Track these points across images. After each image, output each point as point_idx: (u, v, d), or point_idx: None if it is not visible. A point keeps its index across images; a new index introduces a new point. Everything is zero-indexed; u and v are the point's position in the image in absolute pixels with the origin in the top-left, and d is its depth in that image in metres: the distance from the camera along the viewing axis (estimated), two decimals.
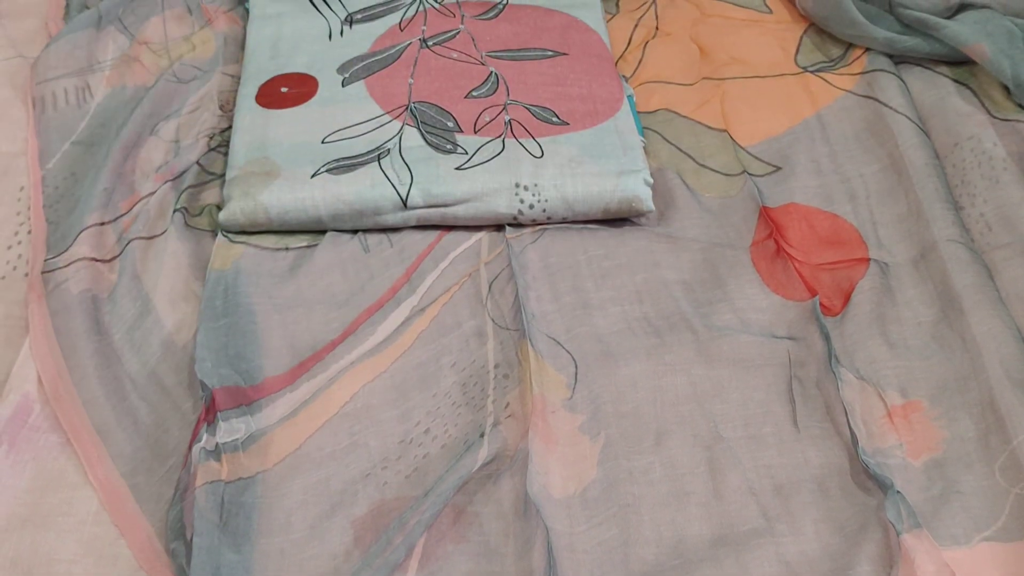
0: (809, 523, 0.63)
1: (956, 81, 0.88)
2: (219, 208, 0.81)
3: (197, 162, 0.84)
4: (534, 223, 0.80)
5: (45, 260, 0.76)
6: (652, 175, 0.83)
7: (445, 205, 0.79)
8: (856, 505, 0.64)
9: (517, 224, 0.80)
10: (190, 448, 0.65)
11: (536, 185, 0.79)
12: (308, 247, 0.79)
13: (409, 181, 0.79)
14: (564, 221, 0.81)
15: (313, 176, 0.80)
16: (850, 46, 0.93)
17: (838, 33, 0.93)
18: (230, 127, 0.86)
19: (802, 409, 0.69)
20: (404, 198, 0.79)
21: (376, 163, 0.81)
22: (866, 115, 0.87)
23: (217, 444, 0.65)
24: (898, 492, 0.62)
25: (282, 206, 0.79)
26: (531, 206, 0.79)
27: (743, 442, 0.67)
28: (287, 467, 0.66)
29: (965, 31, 0.86)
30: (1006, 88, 0.85)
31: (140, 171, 0.83)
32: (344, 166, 0.80)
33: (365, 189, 0.79)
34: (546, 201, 0.79)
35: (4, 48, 0.96)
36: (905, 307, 0.74)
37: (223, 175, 0.83)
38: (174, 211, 0.80)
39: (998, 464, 0.65)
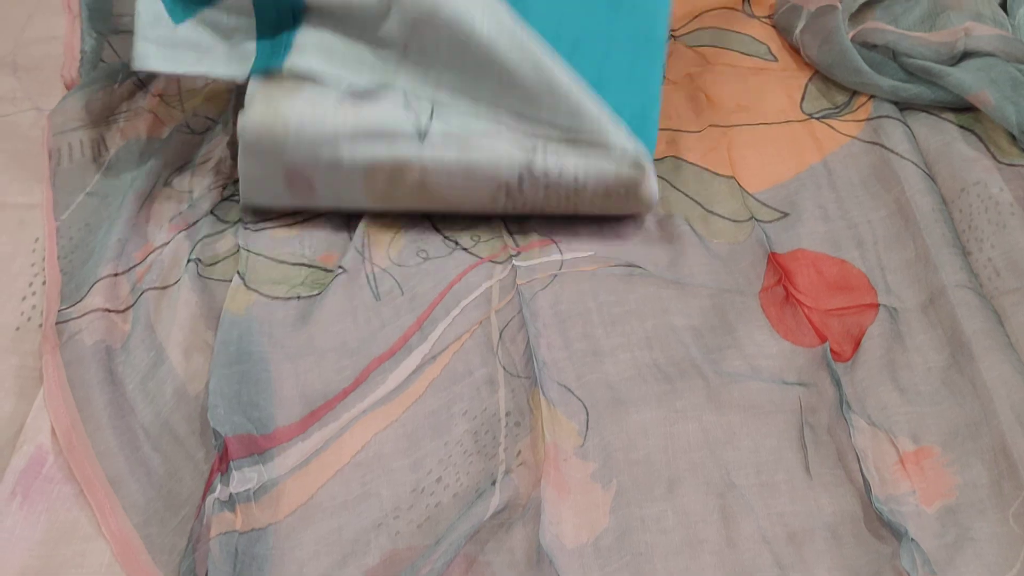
0: (823, 571, 0.63)
1: (961, 127, 0.89)
2: (235, 253, 0.82)
3: (211, 211, 0.85)
4: (537, 184, 0.81)
5: (59, 311, 0.77)
6: (660, 221, 0.84)
7: (461, 139, 0.80)
8: (870, 553, 0.63)
9: (521, 189, 0.81)
10: (203, 498, 0.65)
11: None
12: (319, 295, 0.80)
13: (430, 110, 0.81)
14: (574, 185, 0.81)
15: (337, 98, 0.80)
16: (855, 93, 0.94)
17: (843, 81, 0.94)
18: None
19: (814, 456, 0.69)
20: (423, 128, 0.80)
21: (401, 94, 0.82)
22: (872, 161, 0.88)
23: (231, 494, 0.66)
24: (912, 540, 0.62)
25: (301, 121, 0.79)
26: (543, 155, 0.80)
27: (755, 489, 0.67)
28: (298, 518, 0.66)
29: (969, 79, 0.87)
30: (1011, 134, 0.86)
31: (154, 222, 0.84)
32: (368, 93, 0.81)
33: (386, 112, 0.80)
34: (555, 153, 0.80)
35: (19, 100, 0.97)
36: (915, 352, 0.74)
37: (238, 221, 0.84)
38: (188, 261, 0.81)
39: (1012, 510, 0.65)
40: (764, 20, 1.06)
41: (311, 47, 0.82)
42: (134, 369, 0.74)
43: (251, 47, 0.82)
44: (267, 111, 0.79)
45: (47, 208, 0.86)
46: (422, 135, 0.80)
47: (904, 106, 0.92)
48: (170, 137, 0.91)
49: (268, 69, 0.81)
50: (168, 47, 0.81)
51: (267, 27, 0.82)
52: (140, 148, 0.91)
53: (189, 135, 0.92)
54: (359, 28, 0.82)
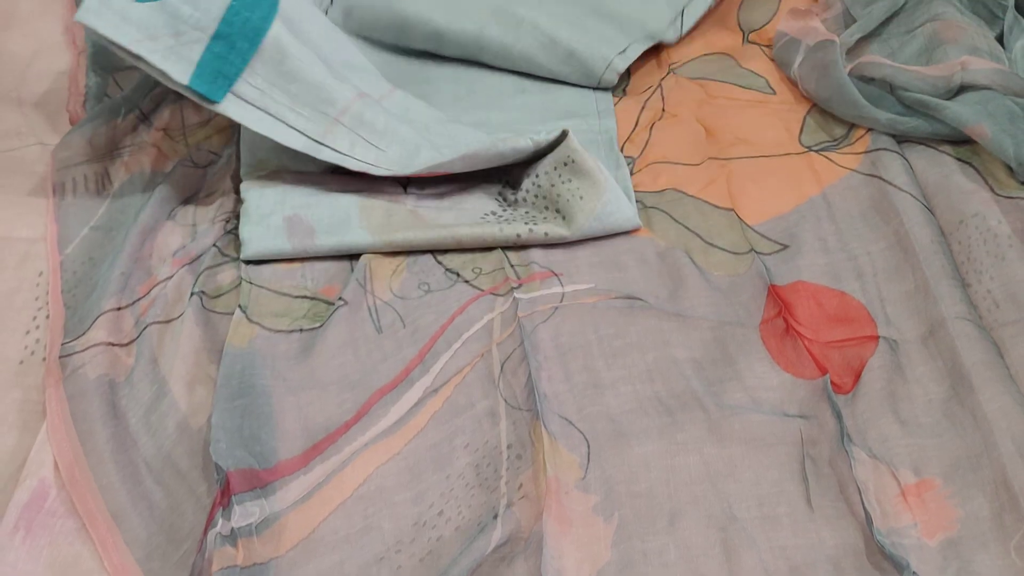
0: None
1: (959, 159, 0.89)
2: (238, 286, 0.82)
3: (214, 244, 0.86)
4: None
5: (62, 345, 0.77)
6: (660, 254, 0.85)
7: None
8: None
9: None
10: (205, 532, 0.65)
11: None
12: (321, 327, 0.80)
13: None
14: None
15: None
16: (853, 126, 0.95)
17: (840, 114, 0.95)
18: None
19: (815, 488, 0.69)
20: None
21: None
22: (871, 193, 0.88)
23: (233, 529, 0.66)
24: (914, 573, 0.62)
25: None
26: None
27: (757, 522, 0.67)
28: (300, 552, 0.66)
29: (966, 112, 0.88)
30: (1009, 166, 0.86)
31: (157, 255, 0.85)
32: None
33: None
34: None
35: (24, 135, 0.98)
36: (915, 384, 0.74)
37: (238, 257, 0.85)
38: (192, 294, 0.81)
39: (1013, 543, 0.65)
40: (763, 48, 1.07)
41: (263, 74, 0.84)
42: (137, 402, 0.74)
43: (196, 53, 0.82)
44: None
45: (51, 242, 0.86)
46: None
47: (902, 139, 0.92)
48: (174, 171, 0.92)
49: (204, 97, 0.83)
50: (118, 16, 0.81)
51: (224, 40, 0.82)
52: (144, 182, 0.92)
53: (192, 168, 0.93)
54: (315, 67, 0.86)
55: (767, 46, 1.08)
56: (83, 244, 0.86)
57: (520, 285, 0.82)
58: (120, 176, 0.93)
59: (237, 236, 0.86)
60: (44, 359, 0.77)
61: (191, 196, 0.91)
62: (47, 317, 0.80)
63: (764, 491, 0.69)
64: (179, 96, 1.01)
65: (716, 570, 0.65)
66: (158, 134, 0.97)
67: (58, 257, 0.85)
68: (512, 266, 0.84)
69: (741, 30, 1.09)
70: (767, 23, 1.09)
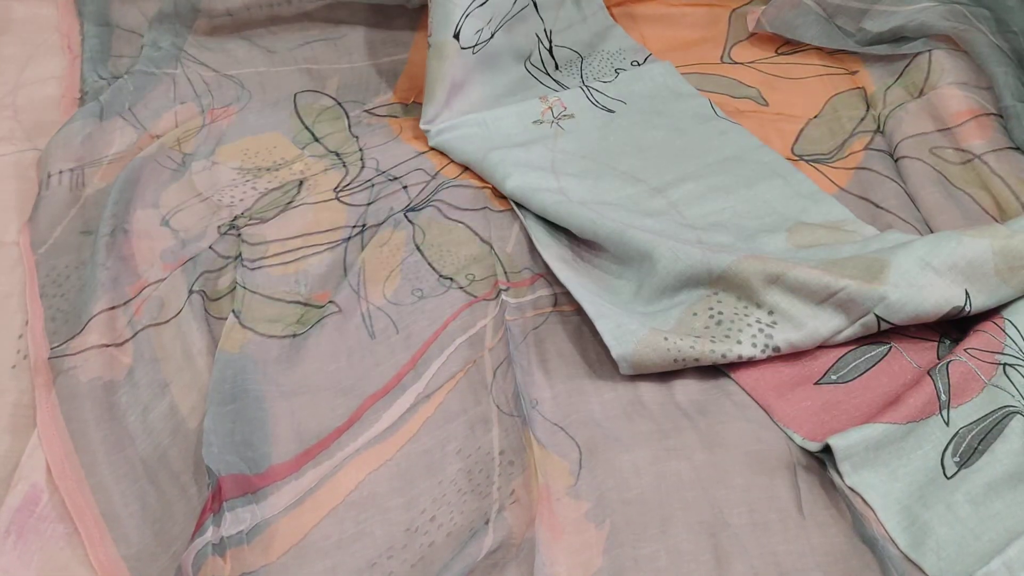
0: None
1: (958, 188, 0.90)
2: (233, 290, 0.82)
3: (211, 247, 0.86)
4: None
5: (54, 347, 0.77)
6: None
7: None
8: None
9: None
10: (192, 539, 0.65)
11: None
12: (312, 330, 0.80)
13: None
14: None
15: None
16: (845, 141, 0.96)
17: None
18: (239, 216, 0.89)
19: (806, 495, 0.69)
20: None
21: None
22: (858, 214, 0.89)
23: (222, 538, 0.65)
24: None
25: None
26: None
27: (748, 529, 0.67)
28: (292, 558, 0.66)
29: None
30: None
31: (146, 258, 0.85)
32: None
33: None
34: None
35: (19, 141, 0.98)
36: None
37: (238, 256, 0.85)
38: (192, 293, 0.81)
39: None
40: (749, 66, 1.08)
41: None
42: (137, 401, 0.74)
43: None
44: None
45: (24, 243, 0.86)
46: None
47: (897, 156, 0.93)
48: (163, 175, 0.92)
49: None
50: None
51: None
52: (121, 182, 0.92)
53: (183, 172, 0.93)
54: None
55: (751, 59, 1.09)
56: (58, 244, 0.86)
57: (508, 288, 0.83)
58: (94, 183, 0.92)
59: (234, 237, 0.87)
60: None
61: (182, 202, 0.91)
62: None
63: (755, 497, 0.69)
64: (173, 103, 1.01)
65: None
66: (149, 140, 0.97)
67: (32, 257, 0.85)
68: (506, 272, 0.84)
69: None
70: (745, 38, 1.12)
